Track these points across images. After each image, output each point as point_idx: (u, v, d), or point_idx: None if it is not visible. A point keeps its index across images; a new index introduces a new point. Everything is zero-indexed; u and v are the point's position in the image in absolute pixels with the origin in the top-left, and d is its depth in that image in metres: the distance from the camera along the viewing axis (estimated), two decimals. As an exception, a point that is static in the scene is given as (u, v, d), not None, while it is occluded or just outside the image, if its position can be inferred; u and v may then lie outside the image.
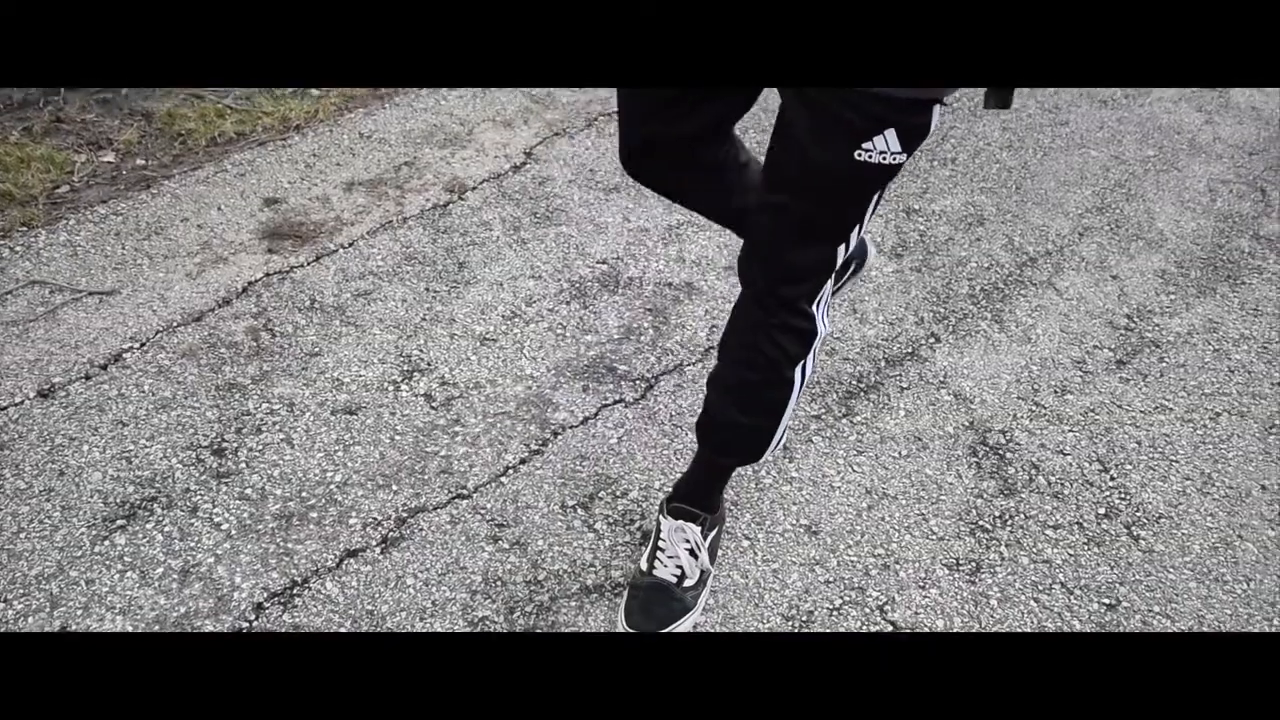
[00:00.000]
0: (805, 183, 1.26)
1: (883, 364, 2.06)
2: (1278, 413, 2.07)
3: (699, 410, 1.54)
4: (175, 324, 2.03)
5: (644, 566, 1.58)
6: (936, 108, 1.22)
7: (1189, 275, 2.46)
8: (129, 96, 2.75)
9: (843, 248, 1.33)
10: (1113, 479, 1.88)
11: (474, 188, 2.46)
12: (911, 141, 1.22)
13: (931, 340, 2.14)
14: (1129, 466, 1.91)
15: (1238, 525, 1.82)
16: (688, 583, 1.56)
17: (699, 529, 1.58)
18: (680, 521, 1.58)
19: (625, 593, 1.58)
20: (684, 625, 1.55)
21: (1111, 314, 2.29)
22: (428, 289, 2.16)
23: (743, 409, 1.47)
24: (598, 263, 2.25)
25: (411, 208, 2.39)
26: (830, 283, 1.40)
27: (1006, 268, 2.38)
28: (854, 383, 2.01)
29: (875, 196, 1.29)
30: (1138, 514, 1.82)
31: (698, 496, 1.60)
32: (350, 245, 2.27)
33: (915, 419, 1.95)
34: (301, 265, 2.21)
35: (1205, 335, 2.27)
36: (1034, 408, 2.01)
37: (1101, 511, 1.82)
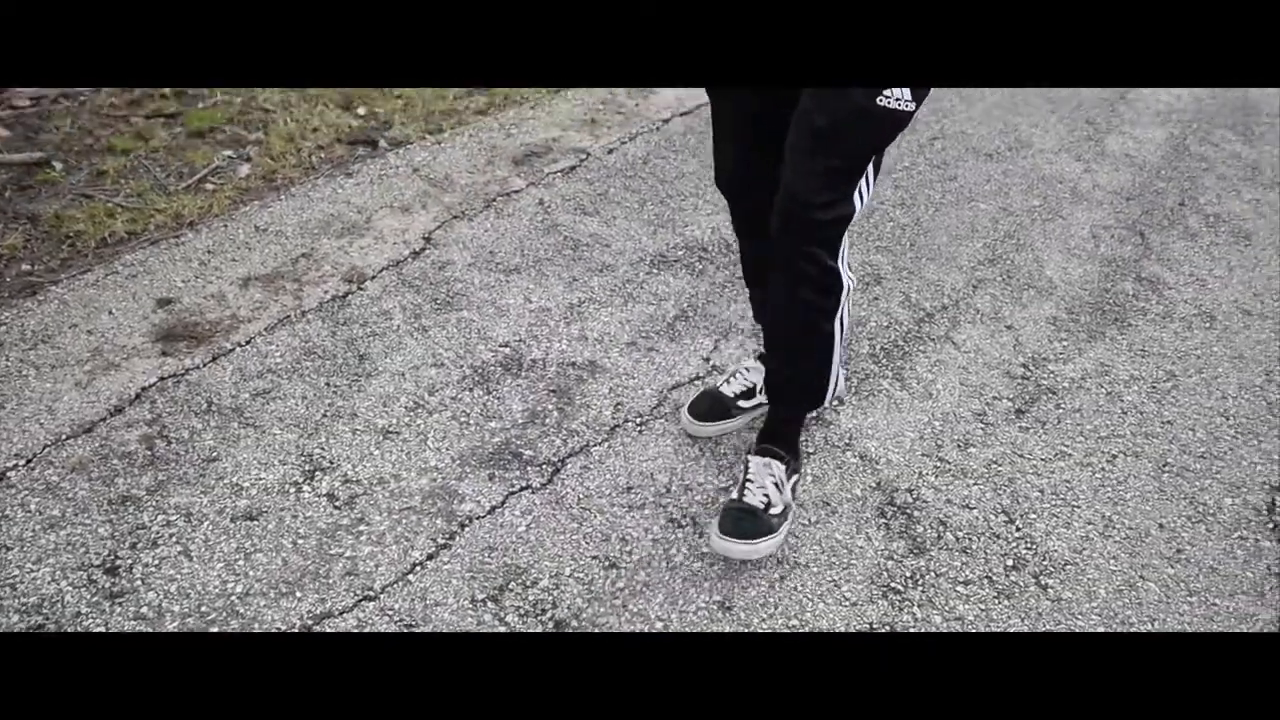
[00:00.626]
0: (834, 127, 1.48)
1: (788, 430, 2.08)
2: (1169, 450, 2.14)
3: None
4: (64, 437, 1.96)
5: (735, 495, 1.78)
6: None
7: (1079, 320, 2.54)
8: (12, 199, 2.69)
9: (857, 199, 1.57)
10: (1018, 529, 1.91)
11: (373, 276, 2.44)
12: (919, 94, 1.46)
13: (835, 403, 2.17)
14: (1033, 516, 1.95)
15: (1139, 566, 1.86)
16: (773, 510, 1.76)
17: (783, 466, 1.81)
18: (766, 458, 1.80)
19: (718, 514, 1.75)
20: (767, 545, 1.73)
21: (1008, 364, 2.35)
22: (328, 384, 2.13)
23: (794, 364, 1.76)
24: (500, 346, 2.25)
25: (310, 300, 2.36)
26: (847, 240, 1.64)
27: (905, 325, 2.43)
28: (761, 451, 2.03)
29: (885, 146, 1.56)
30: (1044, 563, 1.85)
31: (778, 441, 1.84)
32: (248, 343, 2.23)
33: (823, 484, 1.96)
34: (197, 367, 2.16)
35: (1098, 379, 2.34)
36: (938, 463, 2.04)
37: (1010, 563, 1.84)
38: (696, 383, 2.17)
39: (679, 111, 3.25)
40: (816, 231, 1.56)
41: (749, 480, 1.78)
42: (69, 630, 1.60)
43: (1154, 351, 2.47)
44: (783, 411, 1.85)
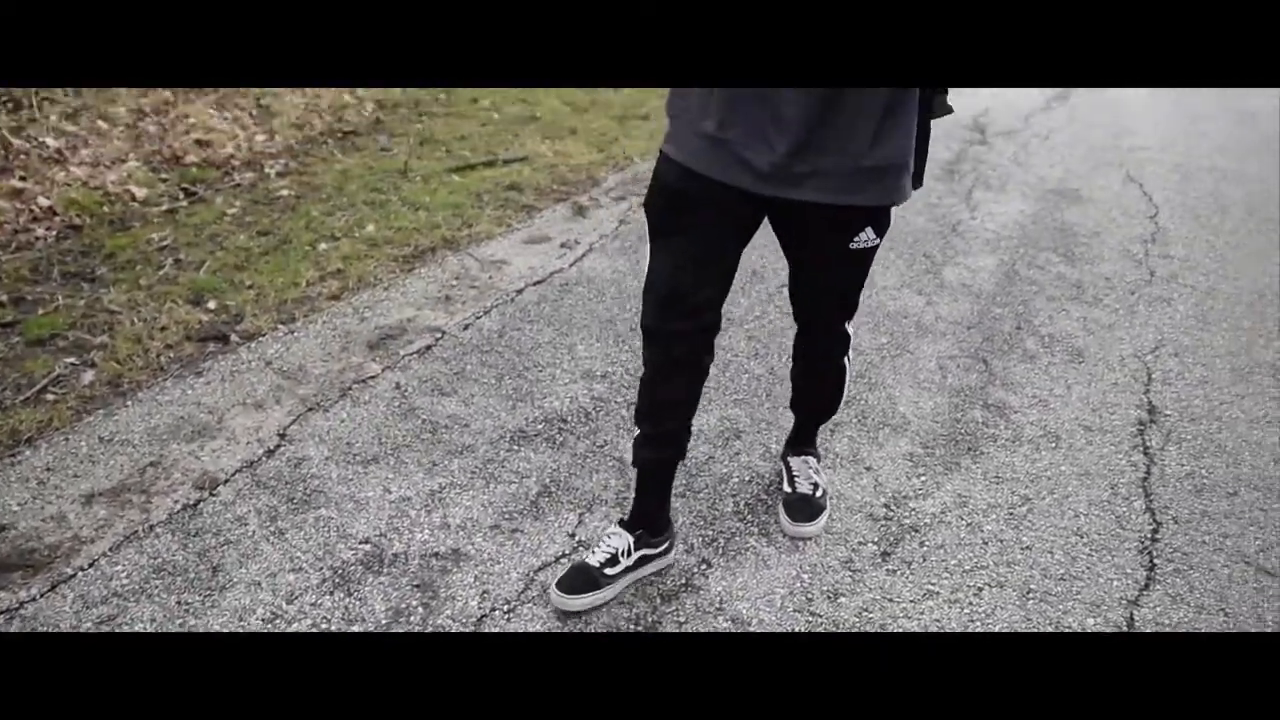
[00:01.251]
0: (834, 281, 2.01)
1: (658, 601, 2.06)
2: (1031, 576, 2.19)
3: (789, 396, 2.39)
4: (-119, 697, 1.80)
5: (787, 489, 2.35)
6: (893, 209, 1.88)
7: (935, 454, 2.62)
8: None
9: (856, 298, 2.08)
10: (895, 678, 1.92)
11: (226, 480, 2.37)
12: (882, 231, 1.90)
13: (704, 566, 2.16)
14: (908, 661, 1.96)
15: (1015, 702, 1.88)
16: (818, 493, 2.33)
17: (815, 459, 2.41)
18: (802, 457, 2.40)
19: (781, 505, 2.32)
20: (824, 519, 2.30)
21: (870, 506, 2.40)
22: (179, 602, 2.02)
23: (823, 400, 2.33)
24: (360, 543, 2.18)
25: (159, 513, 2.27)
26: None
27: (767, 478, 2.47)
28: (631, 626, 2.00)
29: (868, 267, 1.98)
30: (923, 710, 1.85)
31: (805, 442, 2.43)
32: (90, 566, 2.12)
33: (697, 654, 1.94)
34: (33, 599, 2.03)
35: (957, 511, 2.40)
36: (810, 618, 2.04)
37: (889, 715, 1.84)
38: (563, 560, 2.14)
39: (532, 281, 3.30)
40: (838, 320, 2.12)
41: (795, 476, 2.36)
42: None
43: (1007, 477, 2.56)
44: (810, 423, 2.41)
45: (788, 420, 2.69)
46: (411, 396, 2.67)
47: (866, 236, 1.86)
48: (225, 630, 1.96)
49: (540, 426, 2.57)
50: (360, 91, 5.36)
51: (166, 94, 5.05)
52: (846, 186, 1.77)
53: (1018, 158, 5.36)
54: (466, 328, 3.00)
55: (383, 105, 5.20)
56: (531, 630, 1.97)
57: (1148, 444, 2.79)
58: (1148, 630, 2.05)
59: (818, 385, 2.31)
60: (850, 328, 2.17)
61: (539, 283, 3.30)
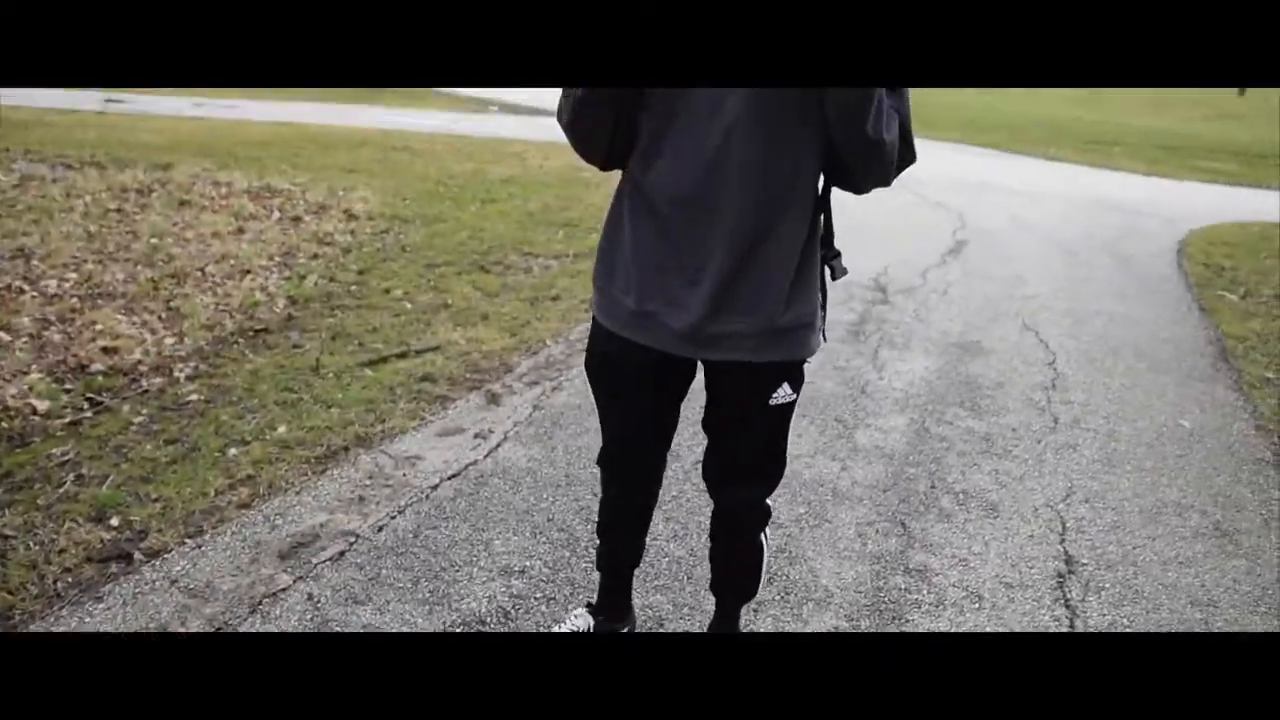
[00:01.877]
0: (745, 425, 2.02)
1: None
2: (967, 753, 2.16)
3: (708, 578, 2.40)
4: None
5: None
6: (805, 365, 1.97)
7: (860, 627, 2.61)
8: None
9: (783, 461, 2.10)
10: None
11: None
12: (797, 388, 1.98)
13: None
14: None
15: None
16: None
17: None
18: None
19: None
20: None
21: (799, 688, 2.35)
22: None
23: (747, 578, 2.32)
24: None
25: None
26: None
27: (693, 666, 2.42)
28: None
29: (788, 426, 2.04)
30: None
31: (729, 625, 2.41)
32: (-28, 829, 1.96)
33: None
34: None
35: (887, 686, 2.37)
36: (746, 819, 1.97)
37: None
38: (486, 779, 2.05)
39: (446, 475, 3.27)
40: (764, 487, 2.13)
41: None
42: None
43: (933, 645, 2.54)
44: (733, 605, 2.40)
45: (711, 602, 2.67)
46: (324, 608, 2.58)
47: (784, 392, 1.96)
48: None
49: (458, 630, 2.50)
50: (271, 288, 5.39)
51: (74, 301, 5.02)
52: (762, 346, 1.88)
53: (919, 314, 5.57)
54: (380, 530, 2.93)
55: (294, 301, 5.22)
56: None
57: (1068, 596, 2.81)
58: None
59: (736, 564, 2.32)
60: (770, 501, 2.21)
61: (454, 477, 3.26)
